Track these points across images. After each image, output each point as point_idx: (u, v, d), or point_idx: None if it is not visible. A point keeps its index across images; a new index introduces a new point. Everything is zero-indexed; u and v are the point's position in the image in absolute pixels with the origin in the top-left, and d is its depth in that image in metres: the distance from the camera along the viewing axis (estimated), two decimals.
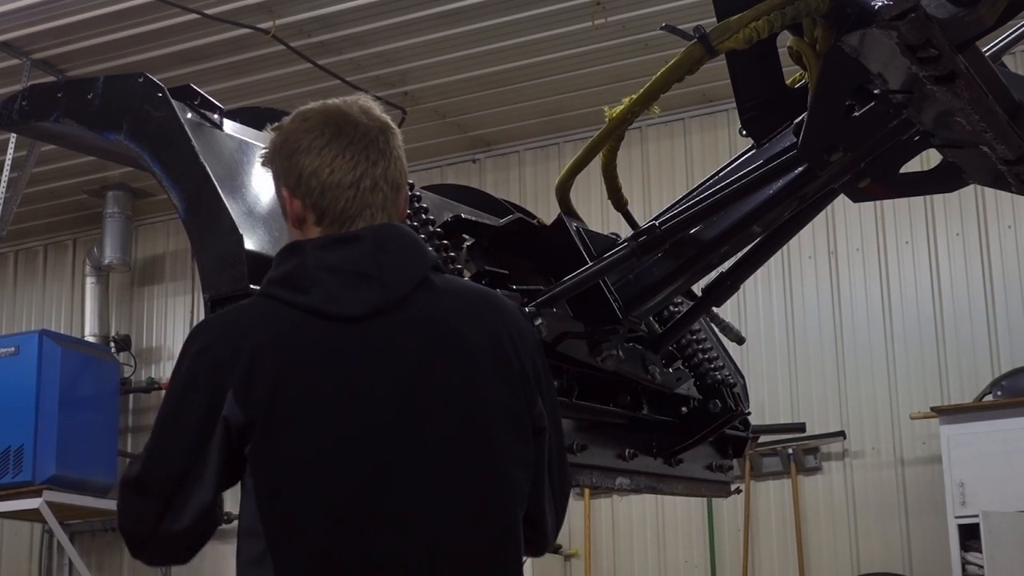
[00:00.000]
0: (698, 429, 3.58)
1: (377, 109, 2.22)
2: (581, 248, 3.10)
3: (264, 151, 2.25)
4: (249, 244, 2.32)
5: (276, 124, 2.24)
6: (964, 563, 6.81)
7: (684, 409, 3.57)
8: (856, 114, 2.76)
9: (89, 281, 9.91)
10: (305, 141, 2.15)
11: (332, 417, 2.04)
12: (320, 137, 2.15)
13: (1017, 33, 3.02)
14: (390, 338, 2.09)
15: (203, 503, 2.07)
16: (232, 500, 2.14)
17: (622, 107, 2.92)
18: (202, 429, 2.04)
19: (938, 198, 7.61)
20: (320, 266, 2.09)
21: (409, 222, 2.63)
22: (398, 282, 2.11)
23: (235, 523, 2.14)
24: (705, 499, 7.73)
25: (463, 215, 3.00)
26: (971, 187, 3.07)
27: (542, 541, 2.30)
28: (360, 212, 2.14)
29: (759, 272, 3.50)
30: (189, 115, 2.53)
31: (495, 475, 2.12)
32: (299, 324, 2.07)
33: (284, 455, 2.02)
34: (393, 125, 2.23)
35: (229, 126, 2.67)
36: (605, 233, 3.35)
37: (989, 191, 6.24)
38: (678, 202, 3.09)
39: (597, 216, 5.83)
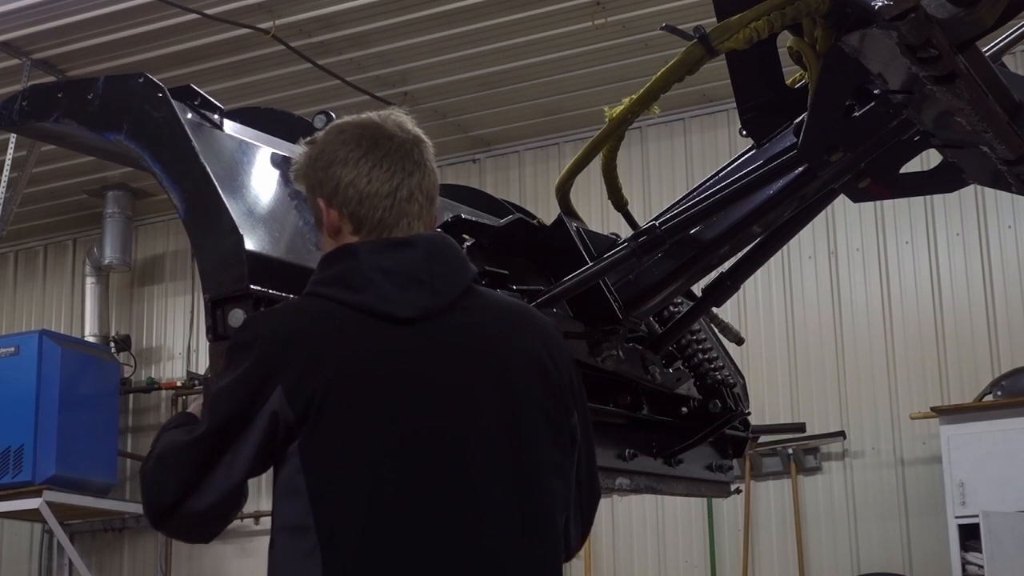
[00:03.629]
0: (698, 429, 3.59)
1: (410, 123, 2.26)
2: (581, 248, 3.10)
3: (295, 166, 2.29)
4: (249, 244, 2.31)
5: (309, 138, 2.29)
6: (964, 563, 6.81)
7: (684, 409, 3.57)
8: (856, 114, 2.76)
9: (89, 281, 9.91)
10: (342, 153, 2.20)
11: (386, 416, 2.07)
12: (357, 149, 2.19)
13: (1017, 33, 3.02)
14: (438, 342, 2.14)
15: (231, 484, 2.09)
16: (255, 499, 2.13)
17: (622, 107, 2.92)
18: (243, 417, 2.06)
19: (938, 198, 7.60)
20: (374, 267, 2.13)
21: None
22: (446, 289, 2.16)
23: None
24: (705, 499, 7.73)
25: (463, 215, 3.00)
26: (971, 187, 3.07)
27: (566, 552, 2.32)
28: (397, 221, 2.19)
29: (759, 272, 3.50)
30: (189, 115, 2.53)
31: (536, 483, 2.16)
32: (352, 322, 2.10)
33: (338, 452, 2.05)
34: (426, 138, 2.27)
35: (229, 126, 2.67)
36: (605, 233, 3.35)
37: (989, 191, 6.24)
38: (678, 202, 3.09)
39: (597, 216, 5.82)
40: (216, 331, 2.27)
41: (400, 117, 2.25)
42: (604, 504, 8.69)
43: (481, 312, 2.21)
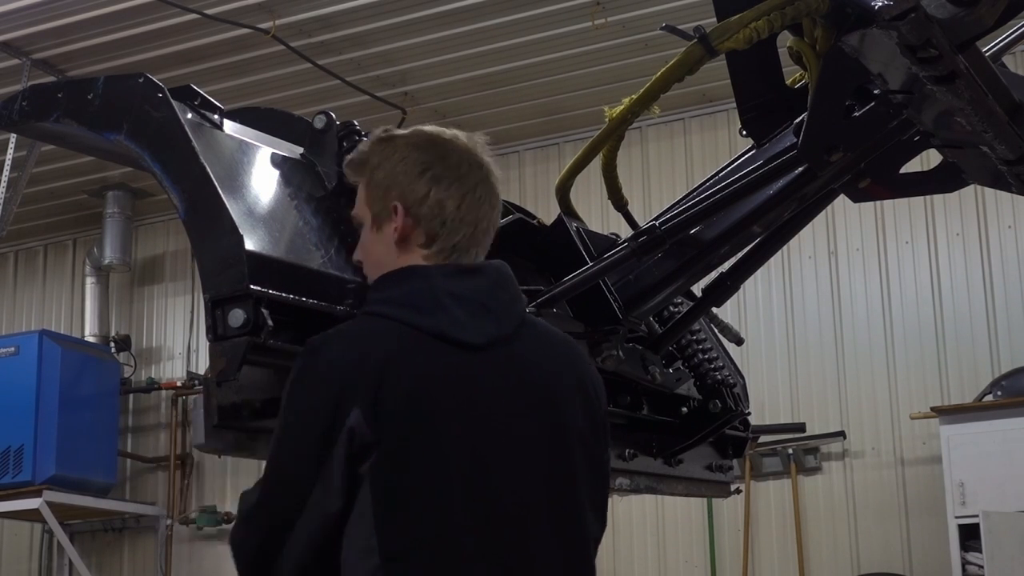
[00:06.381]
0: (698, 429, 3.58)
1: (488, 149, 2.27)
2: (581, 248, 3.10)
3: (361, 152, 2.27)
4: (249, 244, 2.31)
5: (386, 129, 2.27)
6: (964, 563, 6.80)
7: (684, 409, 3.56)
8: (856, 114, 2.76)
9: (89, 281, 9.91)
10: (438, 168, 2.19)
11: (457, 441, 2.07)
12: (456, 170, 2.20)
13: (1017, 33, 3.02)
14: (501, 371, 2.15)
15: (329, 513, 2.05)
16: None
17: (622, 107, 2.92)
18: (323, 450, 2.03)
19: (938, 198, 7.60)
20: (446, 292, 2.13)
21: None
22: (509, 318, 2.19)
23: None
24: (705, 499, 7.72)
25: None
26: (971, 187, 3.07)
27: None
28: (468, 249, 2.21)
29: (759, 272, 3.50)
30: (189, 115, 2.53)
31: (578, 523, 2.19)
32: (424, 345, 2.10)
33: (407, 476, 2.04)
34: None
35: (229, 126, 2.66)
36: (605, 233, 3.35)
37: (989, 191, 6.24)
38: (678, 202, 3.09)
39: (597, 216, 5.82)
40: (216, 331, 2.26)
41: (482, 141, 2.26)
42: None
43: (536, 343, 2.23)
